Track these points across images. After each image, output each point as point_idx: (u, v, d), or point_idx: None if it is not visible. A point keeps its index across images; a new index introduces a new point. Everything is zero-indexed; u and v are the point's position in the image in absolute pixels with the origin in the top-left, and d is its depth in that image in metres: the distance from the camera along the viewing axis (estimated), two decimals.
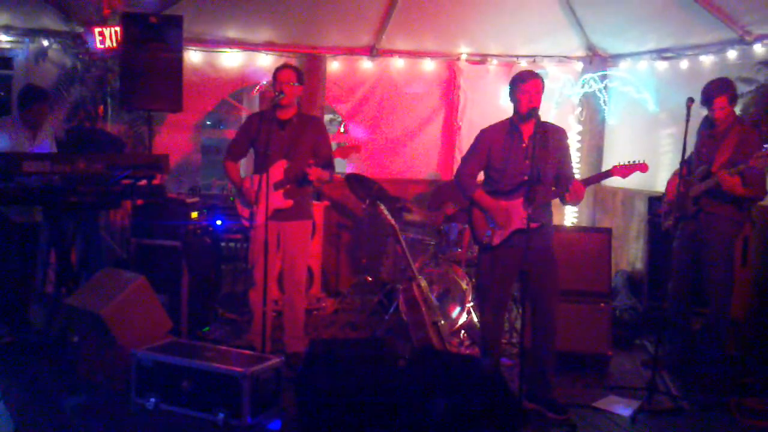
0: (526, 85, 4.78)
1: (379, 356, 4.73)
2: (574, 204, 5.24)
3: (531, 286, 4.84)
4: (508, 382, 4.66)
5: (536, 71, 4.94)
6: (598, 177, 5.16)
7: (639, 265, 7.77)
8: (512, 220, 4.86)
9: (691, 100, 5.16)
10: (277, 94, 5.32)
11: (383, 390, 4.41)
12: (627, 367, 6.01)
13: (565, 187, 4.81)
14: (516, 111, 4.89)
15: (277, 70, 5.45)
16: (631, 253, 7.93)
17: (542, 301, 4.92)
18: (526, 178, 4.80)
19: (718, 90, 5.38)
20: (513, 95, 4.87)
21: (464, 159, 5.15)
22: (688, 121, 5.14)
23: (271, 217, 5.12)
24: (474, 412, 4.27)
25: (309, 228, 5.63)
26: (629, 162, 4.86)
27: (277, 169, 5.32)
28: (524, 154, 4.86)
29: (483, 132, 5.06)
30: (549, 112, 8.06)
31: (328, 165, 5.40)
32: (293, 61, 7.51)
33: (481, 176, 5.16)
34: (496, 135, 4.99)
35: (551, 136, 4.87)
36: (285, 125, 5.41)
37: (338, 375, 4.48)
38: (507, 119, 5.01)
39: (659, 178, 7.31)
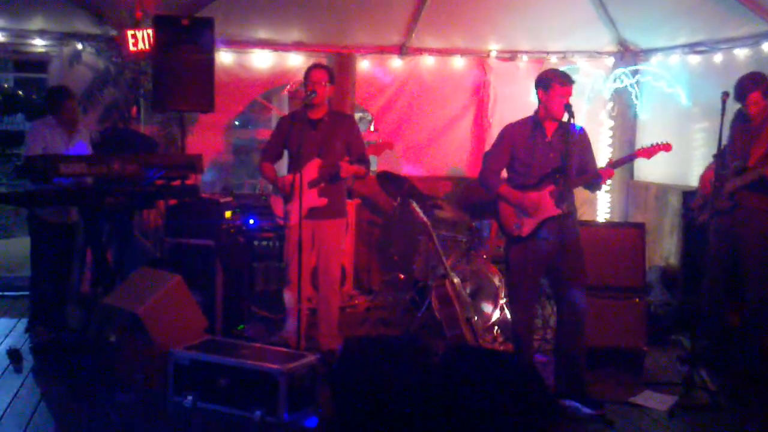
0: (565, 89, 4.82)
1: (413, 353, 4.72)
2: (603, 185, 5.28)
3: (560, 278, 4.89)
4: (543, 378, 4.63)
5: (566, 69, 4.97)
6: (623, 160, 5.25)
7: (673, 261, 7.70)
8: (541, 209, 4.87)
9: (726, 94, 5.13)
10: (308, 93, 5.35)
11: (418, 387, 4.42)
12: (662, 362, 5.97)
13: (593, 176, 4.94)
14: (546, 108, 4.89)
15: (309, 70, 5.47)
16: (665, 248, 7.85)
17: (571, 294, 4.92)
18: (550, 170, 4.89)
19: (752, 85, 5.32)
20: (546, 93, 4.87)
21: (488, 156, 5.18)
22: (723, 115, 5.10)
23: (306, 216, 5.15)
24: (509, 409, 4.26)
25: (343, 226, 5.64)
26: (652, 144, 4.87)
27: (311, 168, 5.35)
28: (549, 147, 4.93)
29: (506, 129, 5.12)
30: (581, 107, 8.00)
31: (363, 160, 5.41)
32: (323, 61, 7.49)
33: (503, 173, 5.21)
34: (519, 131, 5.04)
35: (573, 132, 4.89)
36: (317, 124, 5.44)
37: (373, 372, 4.49)
38: (530, 116, 5.06)
39: (692, 173, 7.25)
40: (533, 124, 4.99)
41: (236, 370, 4.59)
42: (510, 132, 5.06)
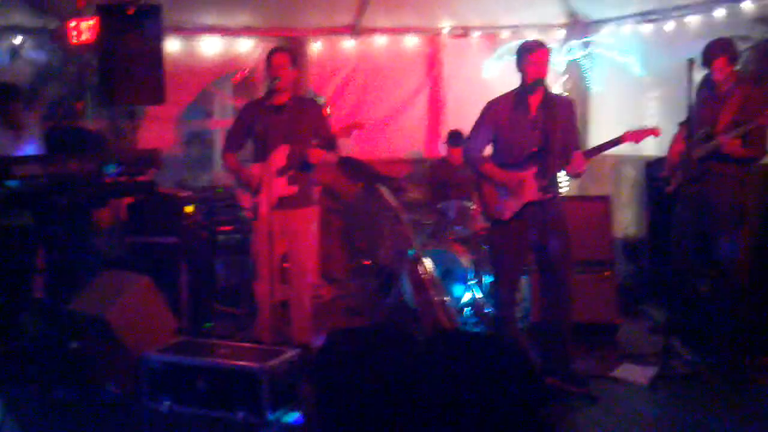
0: (533, 56, 4.71)
1: (395, 343, 4.63)
2: (575, 177, 5.15)
3: (545, 259, 4.83)
4: (530, 357, 4.59)
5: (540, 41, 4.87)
6: (607, 145, 4.93)
7: (632, 231, 7.74)
8: (524, 191, 4.79)
9: (691, 61, 5.07)
10: (272, 79, 5.17)
11: (403, 377, 4.33)
12: (634, 334, 6.01)
13: (566, 160, 4.76)
14: (523, 82, 4.81)
15: (270, 54, 5.28)
16: (623, 219, 7.88)
17: (558, 272, 4.86)
18: (534, 149, 4.77)
19: (717, 51, 5.30)
20: (520, 65, 4.80)
21: (471, 133, 5.07)
22: (690, 82, 5.06)
23: (275, 206, 4.99)
24: (497, 392, 4.20)
25: (314, 215, 5.49)
26: (640, 127, 4.81)
27: (279, 155, 5.17)
28: (532, 125, 4.81)
29: (489, 104, 4.98)
30: None
31: (332, 145, 5.26)
32: (273, 44, 7.35)
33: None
34: (502, 107, 4.91)
35: (559, 107, 4.81)
36: (282, 110, 5.24)
37: (356, 364, 4.38)
38: (513, 91, 4.92)
39: (647, 143, 7.23)
40: (516, 99, 4.87)
41: (214, 370, 4.43)
42: (493, 108, 4.94)
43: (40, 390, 4.92)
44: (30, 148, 5.80)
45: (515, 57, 4.86)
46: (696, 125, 5.42)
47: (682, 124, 5.63)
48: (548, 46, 4.82)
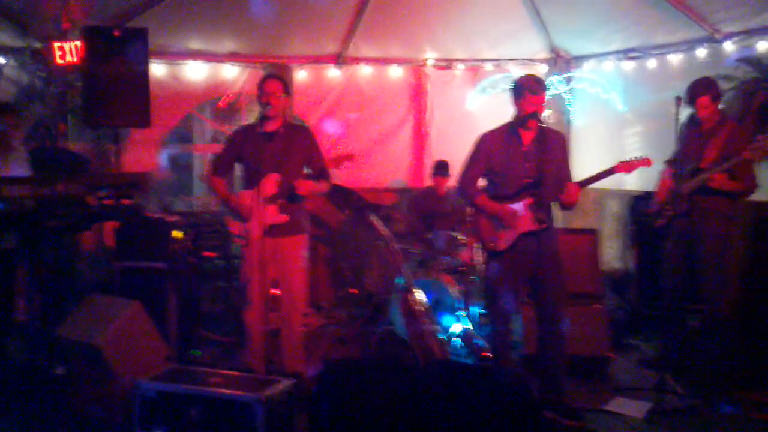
0: (536, 98, 4.73)
1: (392, 374, 4.56)
2: (569, 207, 5.13)
3: (540, 290, 4.82)
4: (530, 389, 4.54)
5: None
6: (598, 176, 4.90)
7: (616, 264, 7.79)
8: (519, 222, 4.79)
9: (679, 99, 5.16)
10: (263, 105, 5.12)
11: (401, 408, 4.26)
12: (625, 367, 5.98)
13: (560, 190, 4.78)
14: (517, 115, 4.83)
15: (263, 81, 5.23)
16: (606, 252, 7.93)
17: (552, 304, 4.86)
18: (528, 180, 4.79)
19: (700, 90, 5.44)
20: (518, 101, 4.80)
21: (465, 165, 5.05)
22: (677, 119, 5.15)
23: (265, 233, 4.92)
24: (495, 423, 4.15)
25: (305, 243, 5.42)
26: (633, 158, 4.85)
27: (270, 183, 5.09)
28: (525, 157, 4.84)
29: (482, 137, 4.99)
30: None
31: (323, 174, 5.22)
32: (259, 72, 7.33)
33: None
34: (495, 139, 4.94)
35: (551, 139, 4.84)
36: (273, 137, 5.16)
37: (355, 396, 4.30)
38: (506, 123, 4.94)
39: (628, 177, 7.32)
40: (510, 131, 4.89)
41: (209, 400, 4.29)
42: (486, 140, 4.95)
43: (24, 420, 4.75)
44: (16, 171, 5.65)
45: (513, 90, 4.86)
46: (682, 161, 5.51)
47: (668, 162, 5.72)
48: (547, 88, 4.88)
